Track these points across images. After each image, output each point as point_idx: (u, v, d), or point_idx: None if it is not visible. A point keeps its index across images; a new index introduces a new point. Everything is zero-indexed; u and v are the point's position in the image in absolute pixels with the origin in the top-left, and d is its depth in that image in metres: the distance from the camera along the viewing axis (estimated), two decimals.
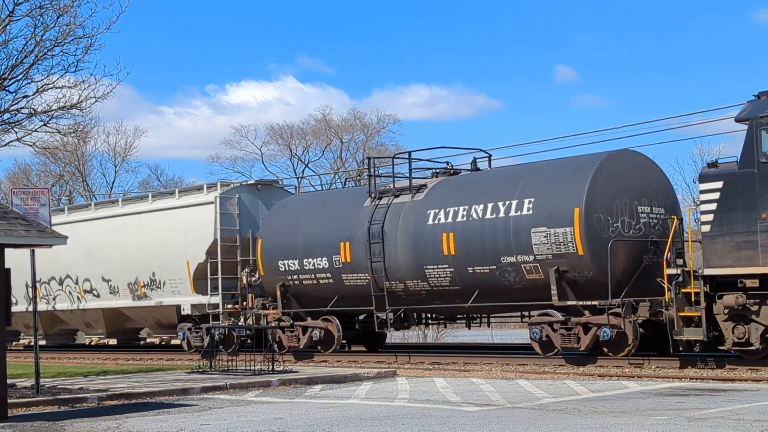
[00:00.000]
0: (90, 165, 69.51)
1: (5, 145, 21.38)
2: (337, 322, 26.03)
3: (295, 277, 26.55)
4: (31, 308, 31.00)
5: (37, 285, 30.43)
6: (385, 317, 24.76)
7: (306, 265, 26.22)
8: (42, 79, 20.78)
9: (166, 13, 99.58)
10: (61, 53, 20.49)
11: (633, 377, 19.28)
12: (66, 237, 16.25)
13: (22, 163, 70.18)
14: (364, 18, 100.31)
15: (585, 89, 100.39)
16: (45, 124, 21.33)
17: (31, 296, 31.51)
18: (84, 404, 16.62)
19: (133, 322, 33.67)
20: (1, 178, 70.34)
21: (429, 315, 26.45)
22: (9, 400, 15.30)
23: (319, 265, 25.93)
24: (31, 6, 20.10)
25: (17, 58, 20.35)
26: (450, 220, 23.47)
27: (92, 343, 37.05)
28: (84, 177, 67.92)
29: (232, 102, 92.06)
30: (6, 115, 20.73)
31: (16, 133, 21.25)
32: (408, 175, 25.20)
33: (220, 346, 26.83)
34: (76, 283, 33.12)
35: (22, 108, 20.86)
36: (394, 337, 42.83)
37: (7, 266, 14.94)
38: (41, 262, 31.17)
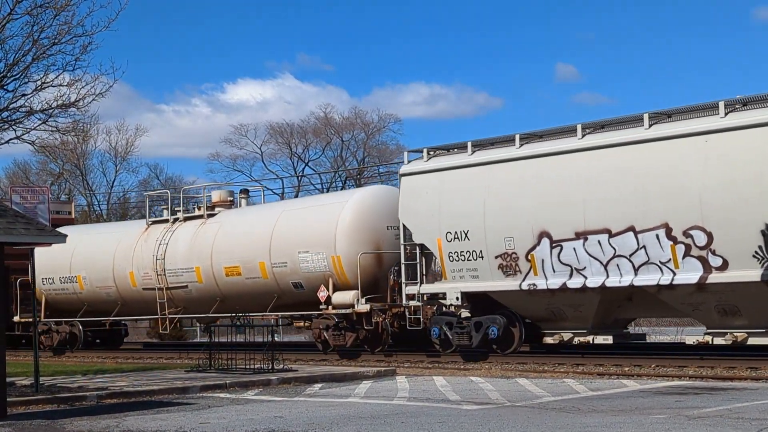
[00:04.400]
0: (90, 164, 69.54)
1: (5, 143, 21.38)
2: None
3: None
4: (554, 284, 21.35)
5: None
6: None
7: None
8: (40, 78, 20.77)
9: (162, 10, 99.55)
10: (59, 52, 20.49)
11: (632, 376, 19.29)
12: (65, 235, 16.19)
13: (21, 162, 70.21)
14: (364, 15, 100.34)
15: (585, 87, 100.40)
16: (44, 123, 21.34)
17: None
18: (83, 403, 16.62)
19: None
20: (1, 177, 70.37)
21: None
22: (8, 399, 15.29)
23: None
24: (31, 4, 20.10)
25: (15, 56, 20.35)
26: None
27: None
28: (84, 176, 67.89)
29: (231, 101, 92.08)
30: (5, 113, 20.73)
31: (15, 131, 21.25)
32: None
33: None
34: None
35: (21, 106, 20.85)
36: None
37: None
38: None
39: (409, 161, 25.19)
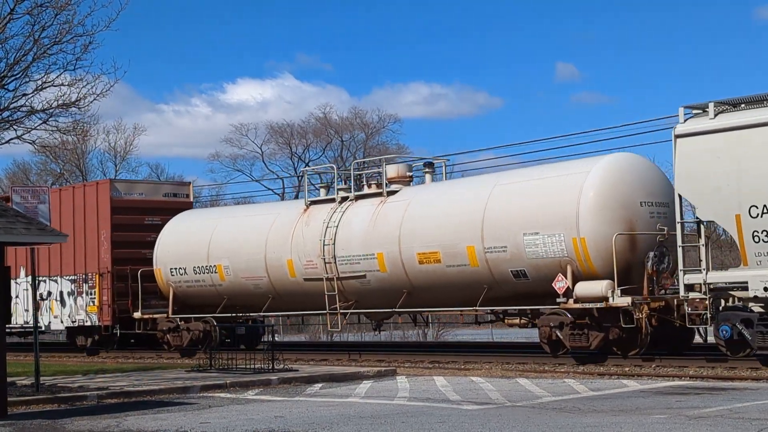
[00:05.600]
0: (90, 164, 69.54)
1: (5, 142, 21.41)
2: None
3: None
4: None
5: None
6: None
7: None
8: (40, 78, 20.81)
9: (161, 10, 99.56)
10: (59, 52, 20.53)
11: (633, 376, 19.27)
12: (66, 235, 16.20)
13: (21, 163, 70.24)
14: (363, 15, 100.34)
15: (585, 86, 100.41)
16: (44, 122, 21.36)
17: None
18: (84, 402, 16.63)
19: None
20: (1, 177, 70.42)
21: None
22: (9, 399, 15.30)
23: None
24: (32, 4, 20.13)
25: (16, 56, 20.38)
26: None
27: None
28: (84, 176, 67.85)
29: (231, 100, 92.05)
30: (5, 113, 20.75)
31: (15, 131, 21.28)
32: None
33: None
34: None
35: (22, 106, 20.88)
36: (394, 336, 42.86)
37: None
38: None
39: (685, 119, 20.35)
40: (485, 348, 28.86)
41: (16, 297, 33.13)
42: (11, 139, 21.31)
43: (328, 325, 27.25)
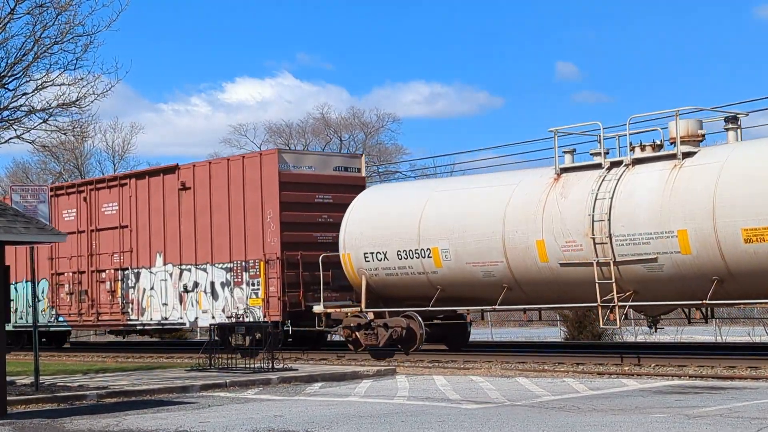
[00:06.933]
0: (89, 163, 69.53)
1: (4, 142, 21.44)
2: None
3: None
4: None
5: None
6: None
7: None
8: (41, 77, 20.85)
9: (159, 8, 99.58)
10: (60, 51, 20.58)
11: (632, 375, 19.30)
12: (65, 234, 16.30)
13: (21, 162, 70.25)
14: (363, 14, 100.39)
15: (586, 86, 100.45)
16: (44, 122, 21.40)
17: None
18: (83, 401, 16.64)
19: None
20: (1, 176, 70.47)
21: None
22: (8, 398, 15.32)
23: None
24: (32, 4, 20.18)
25: (16, 56, 20.42)
26: None
27: None
28: (83, 175, 67.88)
29: (230, 100, 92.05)
30: (5, 113, 20.78)
31: (15, 130, 21.31)
32: None
33: None
34: None
35: (22, 105, 20.92)
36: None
37: None
38: None
39: None
40: (484, 347, 28.87)
41: (151, 289, 29.76)
42: (10, 138, 21.35)
43: (600, 322, 21.71)
